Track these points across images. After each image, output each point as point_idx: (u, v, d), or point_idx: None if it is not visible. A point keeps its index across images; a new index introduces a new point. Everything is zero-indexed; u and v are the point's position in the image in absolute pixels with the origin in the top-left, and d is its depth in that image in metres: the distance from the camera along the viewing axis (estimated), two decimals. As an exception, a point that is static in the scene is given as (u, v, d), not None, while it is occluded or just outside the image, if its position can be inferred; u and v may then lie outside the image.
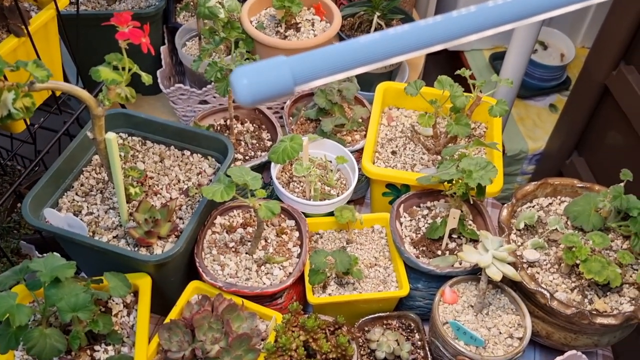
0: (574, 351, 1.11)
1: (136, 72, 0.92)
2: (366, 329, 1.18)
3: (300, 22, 1.51)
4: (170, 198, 1.17)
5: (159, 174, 1.21)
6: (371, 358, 1.14)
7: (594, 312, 1.07)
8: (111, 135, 0.97)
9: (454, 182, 1.09)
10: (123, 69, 0.91)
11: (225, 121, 1.39)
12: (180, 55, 1.52)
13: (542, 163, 2.31)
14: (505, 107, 1.20)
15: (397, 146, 1.35)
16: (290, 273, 1.13)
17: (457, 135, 1.24)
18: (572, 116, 2.08)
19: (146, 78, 0.93)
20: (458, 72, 1.26)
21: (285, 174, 1.30)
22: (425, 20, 0.58)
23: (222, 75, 1.18)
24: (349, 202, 1.32)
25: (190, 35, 1.57)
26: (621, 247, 1.17)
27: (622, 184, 1.14)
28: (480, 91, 1.25)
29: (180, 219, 1.14)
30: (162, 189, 1.19)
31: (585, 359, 1.12)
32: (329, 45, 0.56)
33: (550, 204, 1.26)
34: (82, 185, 1.18)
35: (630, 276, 1.14)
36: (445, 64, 2.71)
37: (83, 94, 0.90)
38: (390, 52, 0.58)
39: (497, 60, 2.50)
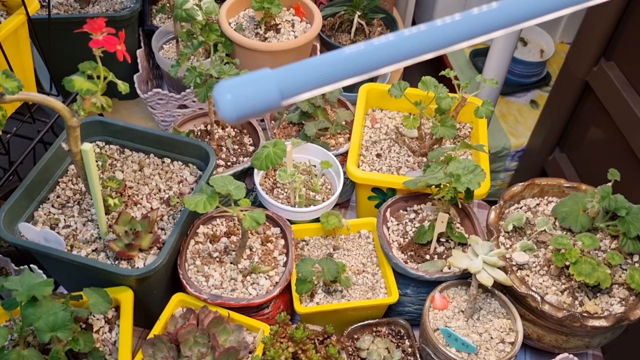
0: (565, 354, 1.10)
1: (112, 80, 0.89)
2: (355, 336, 1.15)
3: (280, 23, 1.48)
4: (151, 208, 1.14)
5: (138, 183, 1.18)
6: (361, 367, 1.11)
7: (585, 315, 1.06)
8: (87, 147, 0.93)
9: (441, 186, 1.07)
10: (98, 77, 0.87)
11: (205, 126, 1.36)
12: (157, 59, 1.48)
13: (525, 160, 2.31)
14: (490, 107, 1.18)
15: (381, 149, 1.33)
16: (276, 282, 1.10)
17: (443, 137, 1.22)
18: (554, 113, 2.08)
19: (122, 87, 0.90)
20: (442, 72, 1.24)
21: (269, 179, 1.27)
22: (410, 30, 0.56)
23: (202, 81, 1.15)
24: (334, 207, 1.30)
25: (167, 38, 1.53)
26: (609, 246, 1.17)
27: (609, 184, 1.13)
28: (465, 92, 1.23)
29: (162, 229, 1.11)
30: (142, 198, 1.15)
31: (576, 361, 1.11)
32: (314, 57, 0.53)
33: (537, 204, 1.25)
34: (58, 197, 1.14)
35: (620, 276, 1.13)
36: (426, 61, 2.69)
37: (56, 104, 0.86)
38: (378, 62, 0.55)
39: (477, 57, 2.49)
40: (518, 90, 2.43)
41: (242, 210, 1.01)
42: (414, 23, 2.54)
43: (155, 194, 1.16)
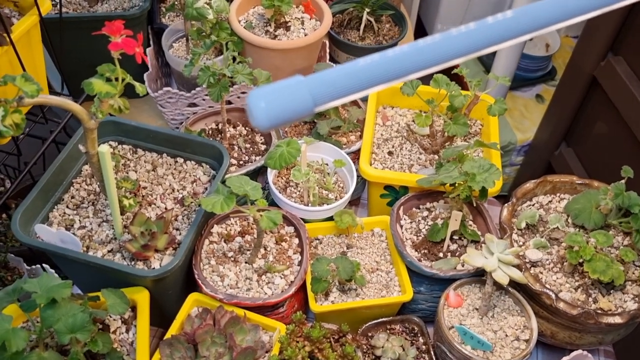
0: (579, 351, 1.10)
1: (130, 82, 0.89)
2: (370, 334, 1.16)
3: (289, 21, 1.47)
4: (166, 208, 1.14)
5: (152, 183, 1.18)
6: (376, 364, 1.12)
7: (600, 312, 1.06)
8: (104, 149, 0.93)
9: (456, 184, 1.07)
10: (116, 79, 0.87)
11: (217, 125, 1.36)
12: (167, 58, 1.48)
13: (531, 154, 2.31)
14: (504, 105, 1.19)
15: (393, 146, 1.33)
16: (292, 282, 1.11)
17: (455, 135, 1.22)
18: (560, 107, 2.08)
19: (140, 89, 0.90)
20: (455, 70, 1.24)
21: (282, 178, 1.27)
22: (450, 32, 0.56)
23: (215, 80, 1.15)
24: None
25: (177, 36, 1.53)
26: (622, 243, 1.17)
27: (623, 181, 1.13)
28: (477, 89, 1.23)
29: (177, 229, 1.11)
30: (156, 198, 1.15)
31: (591, 358, 1.11)
32: (345, 64, 0.53)
33: (550, 201, 1.25)
34: (72, 197, 1.14)
35: (633, 273, 1.13)
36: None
37: (74, 107, 0.86)
38: (416, 66, 0.55)
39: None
40: (523, 84, 2.43)
41: (258, 211, 1.01)
42: (418, 19, 2.53)
43: (169, 194, 1.17)
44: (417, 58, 0.54)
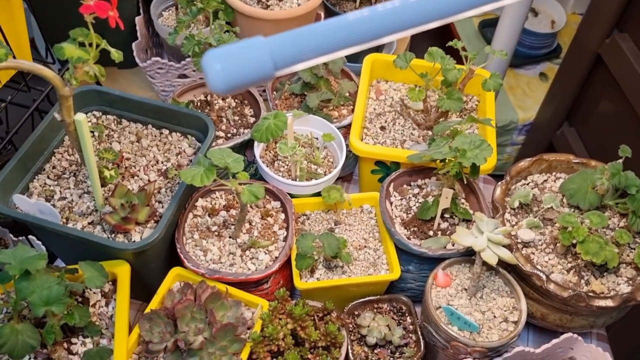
0: (569, 334, 1.07)
1: (105, 48, 0.85)
2: (356, 313, 1.13)
3: (283, -10, 1.43)
4: (149, 180, 1.11)
5: (135, 154, 1.15)
6: (362, 343, 1.10)
7: (591, 294, 1.03)
8: (81, 117, 0.90)
9: (447, 161, 1.03)
10: (90, 45, 0.84)
11: (205, 96, 1.32)
12: (156, 27, 1.44)
13: (532, 133, 2.27)
14: (499, 80, 1.14)
15: (386, 121, 1.29)
16: (276, 257, 1.08)
17: (449, 110, 1.18)
18: (564, 86, 2.03)
19: (116, 55, 0.86)
20: (450, 43, 1.20)
21: (270, 152, 1.24)
22: None
23: (200, 50, 1.11)
24: (336, 180, 1.27)
25: (166, 4, 1.48)
26: (618, 225, 1.14)
27: (620, 161, 1.09)
28: (473, 63, 1.19)
29: (160, 202, 1.08)
30: (139, 170, 1.12)
31: (581, 341, 1.08)
32: (312, 24, 0.50)
33: (545, 180, 1.21)
34: (53, 167, 1.12)
35: (628, 255, 1.10)
36: (434, 31, 2.63)
37: (47, 72, 0.83)
38: (380, 31, 0.52)
39: (487, 27, 2.43)
40: (527, 62, 2.38)
41: (240, 184, 0.98)
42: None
43: (153, 166, 1.14)
44: (377, 23, 0.50)
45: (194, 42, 1.11)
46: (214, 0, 1.31)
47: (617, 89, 1.76)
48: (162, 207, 1.08)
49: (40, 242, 1.29)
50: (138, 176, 1.12)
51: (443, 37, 2.60)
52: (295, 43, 0.49)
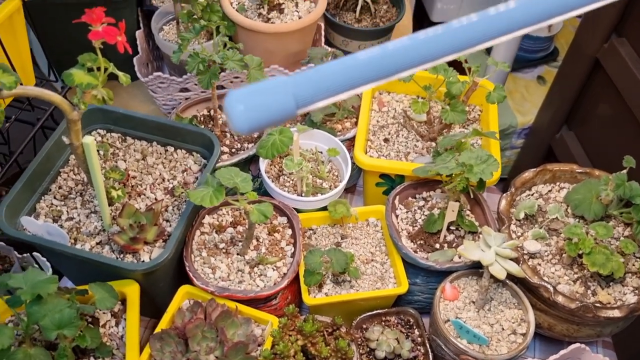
0: (577, 344, 1.08)
1: (113, 72, 0.85)
2: (364, 326, 1.14)
3: (283, 3, 1.43)
4: (155, 199, 1.11)
5: (141, 172, 1.15)
6: (370, 357, 1.10)
7: (598, 305, 1.04)
8: (89, 140, 0.90)
9: (453, 175, 1.04)
10: (98, 69, 0.84)
11: (208, 111, 1.32)
12: (157, 41, 1.44)
13: (531, 137, 2.27)
14: (503, 93, 1.15)
15: (389, 133, 1.30)
16: (284, 274, 1.08)
17: (453, 122, 1.19)
18: (562, 90, 2.03)
19: (124, 79, 0.86)
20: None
21: (274, 167, 1.24)
22: (426, 32, 0.53)
23: (205, 67, 1.11)
24: (340, 192, 1.28)
25: (167, 19, 1.48)
26: (622, 234, 1.15)
27: (624, 171, 1.10)
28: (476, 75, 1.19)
29: (167, 221, 1.09)
30: (145, 189, 1.12)
31: (588, 351, 1.09)
32: (329, 63, 0.50)
33: (549, 191, 1.22)
34: (60, 187, 1.12)
35: (633, 265, 1.11)
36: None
37: (55, 98, 0.83)
38: (395, 67, 0.52)
39: (483, 31, 2.43)
40: (525, 65, 2.38)
41: (249, 203, 0.98)
42: (418, 1, 2.47)
43: (159, 184, 1.14)
44: (393, 59, 0.51)
45: (198, 60, 1.11)
46: (215, 14, 1.31)
47: (615, 93, 1.77)
48: (170, 225, 1.08)
49: (45, 259, 1.29)
50: (145, 195, 1.12)
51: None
52: (317, 83, 0.49)
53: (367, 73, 0.52)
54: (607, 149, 1.89)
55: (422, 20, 2.61)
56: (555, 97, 2.10)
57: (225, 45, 1.14)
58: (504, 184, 2.36)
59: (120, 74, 0.86)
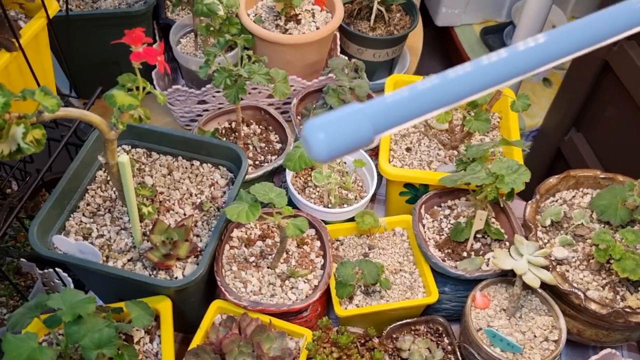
0: (608, 350, 1.09)
1: (151, 91, 0.85)
2: (394, 336, 1.14)
3: (300, 13, 1.43)
4: (184, 214, 1.11)
5: (169, 188, 1.15)
6: (402, 367, 1.11)
7: (628, 310, 1.05)
8: (124, 159, 0.90)
9: (483, 185, 1.05)
10: (137, 89, 0.84)
11: (230, 124, 1.33)
12: (175, 54, 1.44)
13: (540, 140, 2.29)
14: (527, 101, 1.16)
15: (411, 142, 1.30)
16: (315, 286, 1.09)
17: (476, 131, 1.19)
18: (571, 93, 2.05)
19: (161, 98, 0.87)
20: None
21: (300, 178, 1.24)
22: (489, 57, 0.53)
23: (232, 82, 1.11)
24: (362, 201, 1.28)
25: (184, 31, 1.48)
26: (648, 238, 1.16)
27: (650, 176, 1.11)
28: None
29: (197, 236, 1.09)
30: (174, 204, 1.13)
31: (618, 356, 1.10)
32: (404, 89, 0.51)
33: (573, 197, 1.23)
34: (88, 205, 1.11)
35: (659, 269, 1.12)
36: (436, 39, 2.65)
37: (95, 119, 0.83)
38: (464, 93, 0.53)
39: (488, 34, 2.45)
40: (530, 68, 2.40)
41: (284, 218, 0.99)
42: (422, 6, 2.48)
43: (187, 199, 1.14)
44: (460, 84, 0.52)
45: (225, 75, 1.11)
46: (234, 27, 1.31)
47: (625, 95, 1.79)
48: (200, 240, 1.08)
49: (66, 274, 1.29)
50: (173, 210, 1.12)
51: (445, 43, 2.62)
52: (394, 110, 0.50)
53: (432, 102, 0.53)
54: (617, 151, 1.90)
55: (426, 24, 2.62)
56: (563, 100, 2.12)
57: (249, 58, 1.14)
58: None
59: (157, 93, 0.86)
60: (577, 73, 2.01)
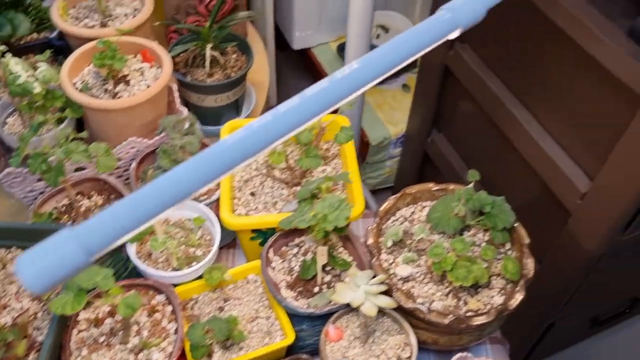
0: (459, 354, 1.15)
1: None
2: (262, 383, 1.16)
3: (128, 74, 1.42)
4: (21, 308, 1.08)
5: (3, 283, 1.11)
6: (273, 413, 1.12)
7: (470, 314, 1.11)
8: None
9: (312, 226, 1.08)
10: None
11: (69, 201, 1.30)
12: (2, 137, 1.39)
13: (407, 144, 2.38)
14: (350, 132, 1.20)
15: (254, 186, 1.32)
16: (170, 353, 1.08)
17: (310, 168, 1.23)
18: (424, 97, 2.15)
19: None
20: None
21: (145, 245, 1.23)
22: (232, 137, 0.56)
23: (48, 166, 1.09)
24: (221, 249, 1.29)
25: (9, 110, 1.43)
26: (484, 239, 1.23)
27: (471, 185, 1.18)
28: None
29: (38, 329, 1.06)
30: (10, 300, 1.09)
31: (471, 356, 1.16)
32: (119, 202, 0.51)
33: (412, 212, 1.29)
34: None
35: (496, 267, 1.19)
36: (299, 61, 2.70)
37: None
38: (195, 185, 0.54)
39: (344, 50, 2.52)
40: (388, 77, 2.49)
41: (115, 298, 0.97)
42: (277, 33, 2.52)
43: (24, 291, 1.10)
44: (272, 131, 0.55)
45: (40, 160, 1.09)
46: (59, 100, 1.29)
47: (467, 95, 1.89)
48: (41, 333, 1.05)
49: None
50: (10, 306, 1.08)
51: (305, 64, 2.68)
52: (104, 227, 0.50)
53: (167, 199, 0.54)
54: (473, 146, 2.01)
55: (284, 48, 2.67)
56: (419, 104, 2.21)
57: (67, 138, 1.12)
58: (391, 192, 2.46)
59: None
60: (425, 78, 2.11)
